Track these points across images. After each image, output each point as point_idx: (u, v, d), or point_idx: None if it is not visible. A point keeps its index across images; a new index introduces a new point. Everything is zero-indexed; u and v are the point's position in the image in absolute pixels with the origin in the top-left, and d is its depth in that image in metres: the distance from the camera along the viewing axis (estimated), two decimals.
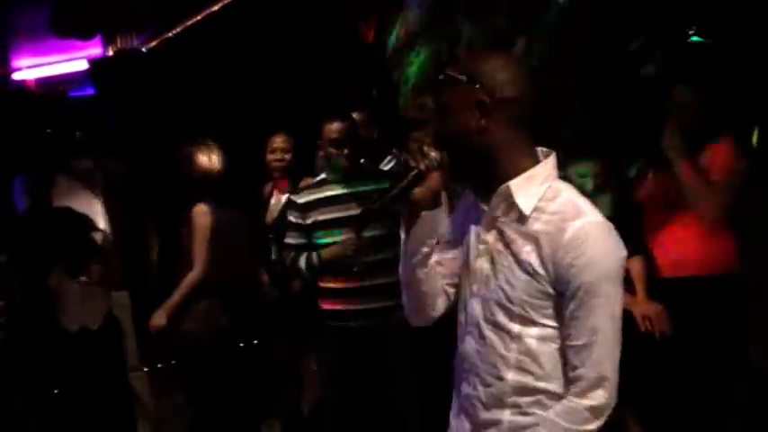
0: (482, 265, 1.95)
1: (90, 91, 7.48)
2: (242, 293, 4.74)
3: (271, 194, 4.99)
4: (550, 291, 1.81)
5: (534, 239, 1.82)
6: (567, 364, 1.83)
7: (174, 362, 5.65)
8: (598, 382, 1.78)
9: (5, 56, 7.81)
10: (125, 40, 7.20)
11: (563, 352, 1.84)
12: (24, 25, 7.31)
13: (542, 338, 1.85)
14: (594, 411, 1.80)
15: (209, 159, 4.54)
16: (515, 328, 1.86)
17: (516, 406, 1.88)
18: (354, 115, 4.51)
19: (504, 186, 1.86)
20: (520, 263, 1.85)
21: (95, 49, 7.36)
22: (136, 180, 5.50)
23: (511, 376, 1.88)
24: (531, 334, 1.85)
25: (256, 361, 4.95)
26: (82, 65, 7.47)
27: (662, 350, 3.73)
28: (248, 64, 6.28)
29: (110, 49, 7.31)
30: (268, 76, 6.24)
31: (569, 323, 1.81)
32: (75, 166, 5.28)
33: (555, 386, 1.86)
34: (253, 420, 4.95)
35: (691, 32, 4.64)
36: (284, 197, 4.80)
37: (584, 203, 1.84)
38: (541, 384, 1.86)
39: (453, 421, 2.09)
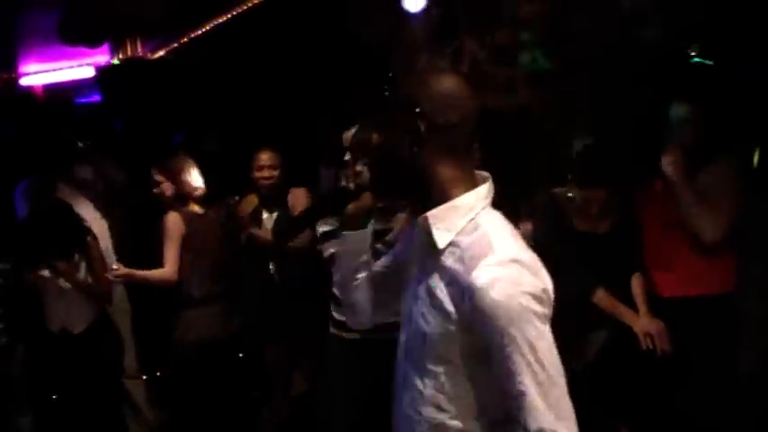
0: (407, 295, 1.91)
1: (96, 98, 7.51)
2: (235, 303, 4.80)
3: (260, 209, 4.99)
4: (462, 331, 1.71)
5: (447, 276, 1.75)
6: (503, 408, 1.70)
7: (171, 370, 5.67)
8: None
9: (13, 61, 7.85)
10: (132, 47, 7.21)
11: (488, 393, 1.73)
12: (32, 31, 7.32)
13: (457, 377, 1.75)
14: None
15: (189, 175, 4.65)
16: (429, 364, 1.78)
17: None
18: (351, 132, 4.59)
19: (422, 217, 1.80)
20: (433, 299, 1.77)
21: (103, 57, 7.38)
22: (137, 188, 5.50)
23: (426, 413, 1.81)
24: (445, 372, 1.76)
25: (250, 369, 5.01)
26: (89, 72, 7.49)
27: (658, 367, 3.72)
28: (255, 74, 6.29)
29: (117, 56, 7.33)
30: (274, 86, 6.26)
31: (493, 368, 1.69)
32: (77, 173, 5.28)
33: (473, 427, 1.77)
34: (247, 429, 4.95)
35: (693, 54, 4.65)
36: (275, 214, 4.88)
37: (498, 239, 1.72)
38: (456, 424, 1.78)
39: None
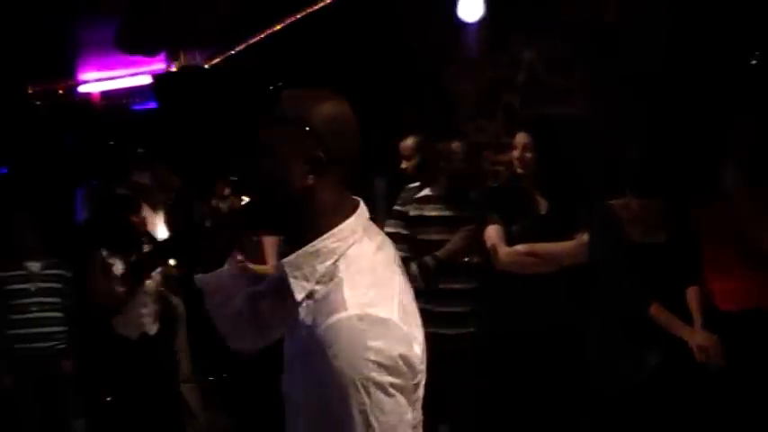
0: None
1: (152, 105, 7.62)
2: None
3: None
4: (311, 392, 1.51)
5: (302, 332, 1.53)
6: None
7: (224, 375, 5.73)
8: None
9: (72, 69, 8.00)
10: (188, 56, 7.31)
11: None
12: (91, 40, 7.46)
13: None
14: None
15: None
16: (291, 413, 1.63)
17: None
18: (410, 140, 4.63)
19: (279, 264, 1.60)
20: (291, 351, 1.62)
21: (159, 65, 7.50)
22: (193, 194, 5.57)
23: None
24: (300, 424, 1.58)
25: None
26: (145, 79, 7.62)
27: (714, 384, 3.67)
28: (308, 83, 6.33)
29: (173, 64, 7.44)
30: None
31: None
32: (135, 178, 5.36)
33: None
34: None
35: (753, 62, 4.60)
36: None
37: (353, 291, 1.48)
38: None
39: None
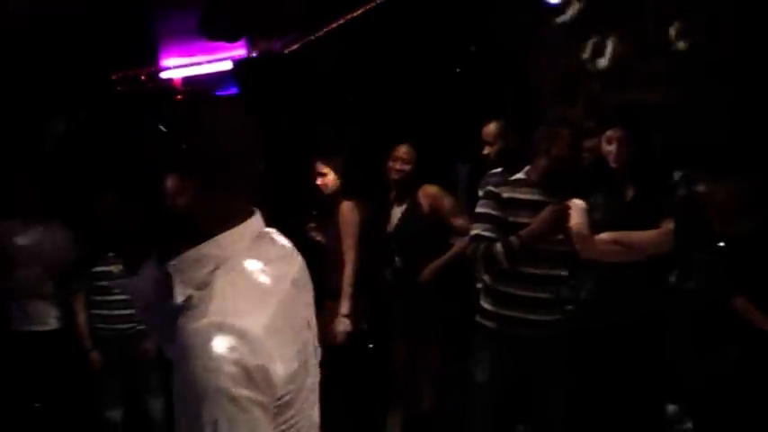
0: None
1: (233, 91, 7.73)
2: (374, 295, 4.91)
3: (391, 202, 5.05)
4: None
5: (178, 336, 1.48)
6: None
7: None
8: None
9: (155, 55, 8.16)
10: (269, 42, 7.39)
11: None
12: (173, 27, 7.60)
13: None
14: None
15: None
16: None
17: None
18: (493, 126, 4.64)
19: (164, 267, 1.57)
20: (173, 356, 1.53)
21: (240, 51, 7.60)
22: (275, 180, 5.66)
23: None
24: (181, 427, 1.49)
25: (379, 362, 5.06)
26: (226, 65, 7.73)
27: None
28: (387, 69, 6.36)
29: (253, 50, 7.53)
30: (405, 82, 6.32)
31: None
32: None
33: None
34: (374, 421, 5.04)
35: None
36: (401, 207, 4.94)
37: (221, 300, 1.45)
38: None
39: None
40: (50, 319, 4.91)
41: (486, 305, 4.02)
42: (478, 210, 4.01)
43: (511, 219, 3.87)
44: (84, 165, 5.28)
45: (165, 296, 1.57)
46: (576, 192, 3.84)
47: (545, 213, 3.77)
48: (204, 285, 1.51)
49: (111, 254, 4.75)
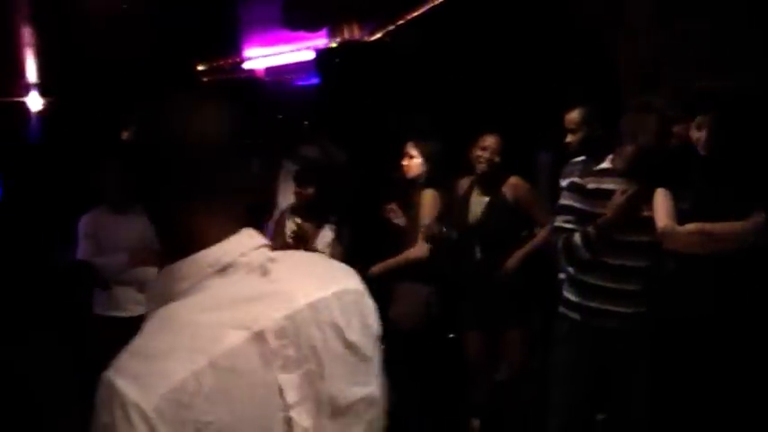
0: None
1: (315, 80, 7.78)
2: (451, 284, 4.88)
3: (470, 192, 4.98)
4: None
5: None
6: None
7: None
8: None
9: (238, 46, 8.28)
10: (350, 31, 7.42)
11: None
12: (255, 18, 7.70)
13: None
14: None
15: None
16: None
17: None
18: (575, 114, 4.57)
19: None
20: None
21: (321, 40, 7.64)
22: (358, 168, 5.68)
23: None
24: None
25: (453, 352, 5.02)
26: (308, 55, 7.78)
27: None
28: (469, 58, 6.31)
29: (335, 40, 7.56)
30: (487, 71, 6.26)
31: None
32: (302, 152, 5.47)
33: None
34: (448, 412, 5.00)
35: None
36: (485, 198, 4.88)
37: (129, 350, 1.22)
38: None
39: None
40: (133, 306, 5.00)
41: (569, 296, 3.95)
42: (561, 201, 3.94)
43: (596, 210, 3.78)
44: None
45: None
46: (663, 181, 3.74)
47: (618, 199, 3.68)
48: (155, 309, 1.29)
49: None
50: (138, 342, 1.24)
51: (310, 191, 4.67)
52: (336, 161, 5.64)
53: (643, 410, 3.85)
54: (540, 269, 4.71)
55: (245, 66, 8.42)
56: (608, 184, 3.81)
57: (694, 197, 3.73)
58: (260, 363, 1.25)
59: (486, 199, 4.87)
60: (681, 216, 3.64)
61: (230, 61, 8.39)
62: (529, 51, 6.01)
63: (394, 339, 4.56)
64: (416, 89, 6.49)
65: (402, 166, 4.92)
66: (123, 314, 4.93)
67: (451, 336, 5.07)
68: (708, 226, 3.60)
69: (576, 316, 3.91)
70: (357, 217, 4.87)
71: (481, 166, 4.83)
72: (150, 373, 1.17)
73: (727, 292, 3.61)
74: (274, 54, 8.22)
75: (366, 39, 7.36)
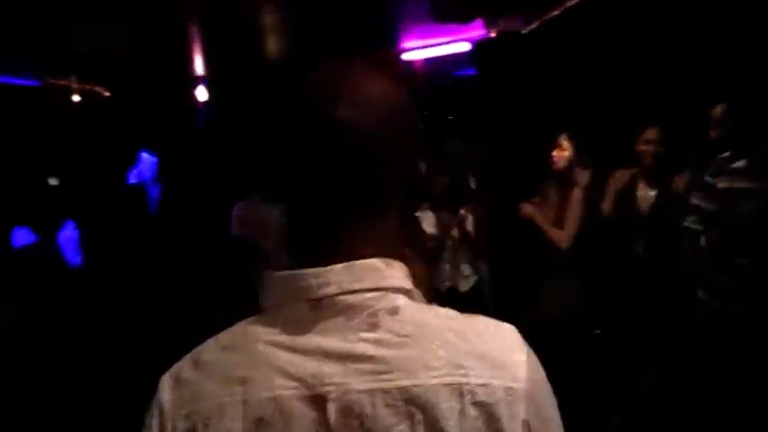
0: None
1: (472, 71, 7.75)
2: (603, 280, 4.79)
3: (634, 185, 4.89)
4: None
5: None
6: None
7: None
8: None
9: (397, 38, 8.33)
10: (507, 21, 7.31)
11: None
12: (413, 11, 7.72)
13: None
14: None
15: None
16: None
17: None
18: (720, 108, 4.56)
19: None
20: None
21: (479, 31, 7.58)
22: (503, 164, 5.63)
23: None
24: None
25: (602, 347, 4.93)
26: (466, 46, 7.76)
27: None
28: (627, 49, 6.10)
29: (492, 31, 7.47)
30: (645, 62, 6.03)
31: None
32: (447, 146, 5.50)
33: None
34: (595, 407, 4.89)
35: None
36: (652, 192, 4.78)
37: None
38: None
39: None
40: None
41: (703, 296, 3.84)
42: (691, 201, 3.86)
43: (726, 210, 3.60)
44: None
45: None
46: None
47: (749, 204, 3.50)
48: None
49: None
50: (204, 346, 1.10)
51: (443, 181, 4.78)
52: (479, 154, 5.64)
53: None
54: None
55: (404, 57, 8.46)
56: (741, 183, 3.58)
57: None
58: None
59: (653, 193, 4.79)
60: None
61: (390, 54, 8.45)
62: (695, 42, 5.75)
63: (542, 337, 4.56)
64: (569, 81, 6.37)
65: (551, 156, 4.94)
66: None
67: (598, 332, 4.97)
68: None
69: (709, 316, 3.77)
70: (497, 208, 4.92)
71: (647, 159, 4.77)
72: (189, 382, 1.06)
73: None
74: (433, 45, 8.23)
75: (523, 29, 7.22)
